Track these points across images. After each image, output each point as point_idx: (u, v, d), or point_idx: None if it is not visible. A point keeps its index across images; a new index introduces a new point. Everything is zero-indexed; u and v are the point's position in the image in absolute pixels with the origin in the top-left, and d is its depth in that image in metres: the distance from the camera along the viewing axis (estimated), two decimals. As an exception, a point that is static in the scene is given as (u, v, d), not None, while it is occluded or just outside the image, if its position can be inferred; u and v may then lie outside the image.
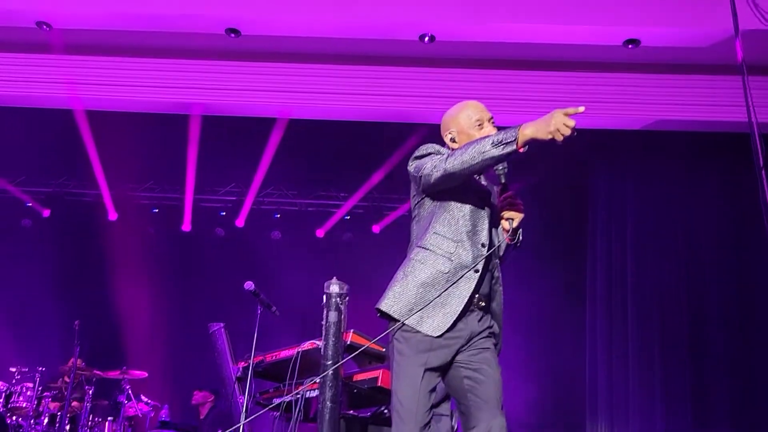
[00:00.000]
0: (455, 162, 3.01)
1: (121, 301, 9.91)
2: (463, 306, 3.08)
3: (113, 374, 8.11)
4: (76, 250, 10.10)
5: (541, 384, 8.98)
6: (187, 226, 10.27)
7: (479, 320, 3.19)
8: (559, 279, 9.32)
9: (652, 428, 8.26)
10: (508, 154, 2.89)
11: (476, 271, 3.13)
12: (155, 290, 10.00)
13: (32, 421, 7.43)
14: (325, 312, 4.21)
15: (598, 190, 9.28)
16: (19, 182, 10.12)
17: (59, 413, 7.50)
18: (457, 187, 3.17)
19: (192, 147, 9.22)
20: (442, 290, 3.09)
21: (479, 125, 3.30)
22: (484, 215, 3.24)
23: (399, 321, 3.10)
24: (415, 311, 3.08)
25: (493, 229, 3.31)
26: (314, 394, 4.51)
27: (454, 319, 3.07)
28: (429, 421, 3.08)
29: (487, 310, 3.24)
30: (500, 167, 3.15)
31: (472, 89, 7.70)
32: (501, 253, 3.35)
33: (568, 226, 9.42)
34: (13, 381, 7.69)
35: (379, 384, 4.52)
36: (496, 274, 3.28)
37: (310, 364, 4.54)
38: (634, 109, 7.91)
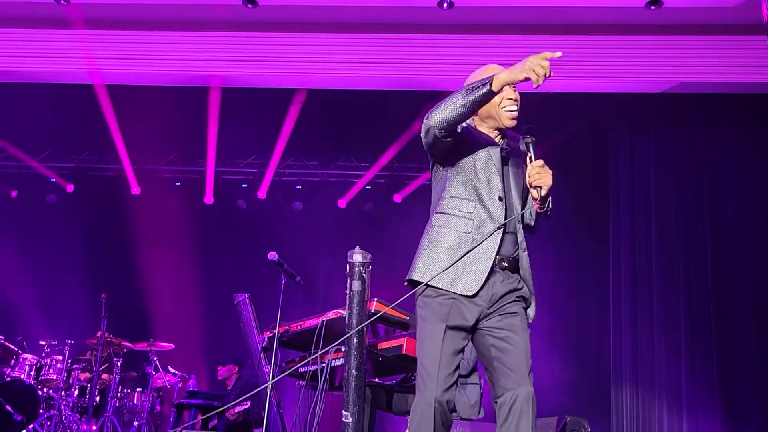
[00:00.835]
0: (434, 114, 3.07)
1: (146, 274, 10.00)
2: (492, 261, 3.11)
3: (141, 346, 8.21)
4: (100, 224, 10.19)
5: (564, 350, 8.98)
6: (209, 199, 10.31)
7: (502, 281, 3.19)
8: (583, 244, 9.28)
9: (678, 394, 8.25)
10: (483, 95, 2.98)
11: (499, 227, 3.15)
12: (180, 263, 10.07)
13: (63, 393, 7.55)
14: (348, 281, 4.23)
15: (621, 155, 9.18)
16: (42, 158, 10.20)
17: (89, 385, 7.62)
18: (462, 147, 3.20)
19: (212, 119, 9.24)
20: (469, 249, 3.12)
21: (508, 97, 3.29)
22: (495, 171, 3.23)
23: (431, 287, 3.12)
24: (447, 274, 3.11)
25: (514, 194, 3.29)
26: (339, 362, 4.54)
27: (486, 275, 3.09)
28: (453, 384, 3.09)
29: (513, 270, 3.24)
30: (528, 137, 3.22)
31: (491, 55, 7.62)
32: (533, 223, 3.36)
33: (591, 191, 9.35)
34: (43, 354, 7.82)
35: (404, 352, 4.55)
36: (520, 238, 3.28)
37: (335, 333, 4.57)
38: (657, 72, 7.81)
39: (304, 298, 9.13)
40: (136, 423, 7.79)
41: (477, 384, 5.32)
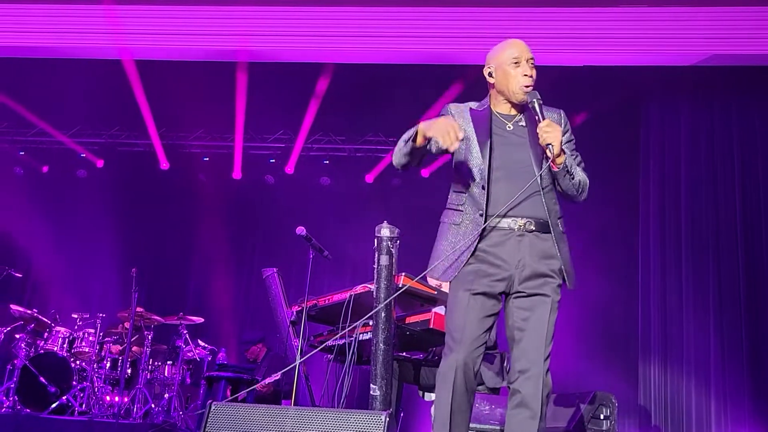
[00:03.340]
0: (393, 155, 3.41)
1: (175, 248, 10.09)
2: (470, 250, 3.18)
3: (171, 320, 8.30)
4: (130, 199, 10.28)
5: (592, 324, 8.94)
6: (237, 174, 10.36)
7: (530, 244, 3.20)
8: (612, 218, 9.20)
9: (706, 367, 8.20)
10: (411, 149, 3.28)
11: (481, 214, 3.20)
12: (209, 237, 10.15)
13: (95, 365, 7.67)
14: (376, 255, 4.24)
15: (652, 128, 9.05)
16: (72, 133, 10.28)
17: (120, 357, 7.74)
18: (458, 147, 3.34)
19: (240, 94, 9.25)
20: (458, 240, 3.23)
21: (516, 63, 3.31)
22: (483, 159, 3.29)
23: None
24: (442, 267, 3.26)
25: (534, 162, 3.26)
26: (367, 336, 4.57)
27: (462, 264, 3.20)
28: (478, 349, 3.15)
29: (543, 231, 3.23)
30: (534, 100, 3.23)
31: (520, 28, 7.56)
32: (557, 185, 3.32)
33: (620, 165, 9.25)
34: (76, 327, 7.94)
35: (431, 326, 4.56)
36: (546, 201, 3.25)
37: (363, 308, 4.59)
38: (688, 45, 7.69)
39: (332, 273, 9.17)
40: (166, 395, 7.89)
41: (496, 353, 5.31)
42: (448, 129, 3.06)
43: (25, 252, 9.95)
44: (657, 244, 8.69)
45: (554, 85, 8.50)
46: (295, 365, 4.85)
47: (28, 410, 7.21)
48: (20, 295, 9.37)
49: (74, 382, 7.45)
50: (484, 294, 3.16)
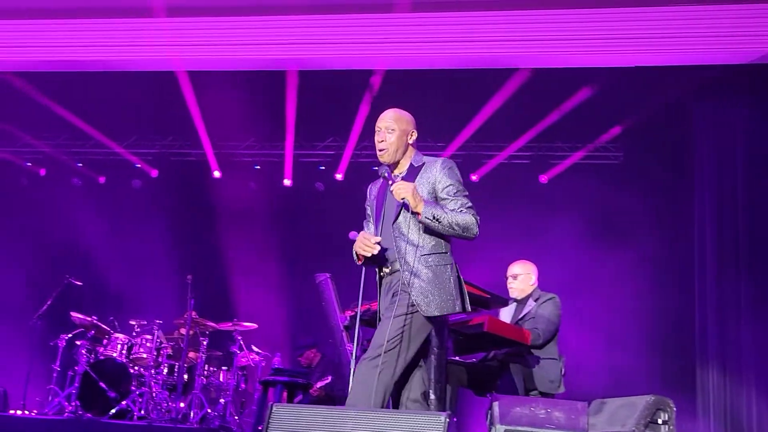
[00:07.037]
0: None
1: (229, 256, 10.21)
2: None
3: (225, 326, 8.42)
4: (184, 207, 10.45)
5: (647, 328, 8.83)
6: (288, 181, 10.45)
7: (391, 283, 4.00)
8: (667, 224, 9.08)
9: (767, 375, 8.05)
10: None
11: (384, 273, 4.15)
12: (261, 244, 10.23)
13: (153, 371, 7.81)
14: (429, 260, 4.24)
15: (706, 131, 8.89)
16: (128, 144, 10.50)
17: (177, 363, 7.87)
18: None
19: (290, 103, 9.34)
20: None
21: (377, 130, 4.21)
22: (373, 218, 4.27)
23: None
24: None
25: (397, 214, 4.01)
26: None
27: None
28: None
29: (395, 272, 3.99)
30: (383, 171, 4.16)
31: (568, 30, 7.52)
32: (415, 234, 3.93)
33: (674, 169, 9.12)
34: (134, 333, 8.10)
35: (486, 329, 4.56)
36: (403, 247, 3.94)
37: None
38: (743, 43, 7.55)
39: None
40: (222, 400, 8.01)
41: (556, 359, 5.26)
42: (363, 244, 3.86)
43: (84, 261, 10.17)
44: (714, 249, 8.53)
45: (603, 87, 8.47)
46: (351, 370, 4.88)
47: (89, 415, 7.38)
48: (80, 302, 9.55)
49: (133, 387, 7.61)
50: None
